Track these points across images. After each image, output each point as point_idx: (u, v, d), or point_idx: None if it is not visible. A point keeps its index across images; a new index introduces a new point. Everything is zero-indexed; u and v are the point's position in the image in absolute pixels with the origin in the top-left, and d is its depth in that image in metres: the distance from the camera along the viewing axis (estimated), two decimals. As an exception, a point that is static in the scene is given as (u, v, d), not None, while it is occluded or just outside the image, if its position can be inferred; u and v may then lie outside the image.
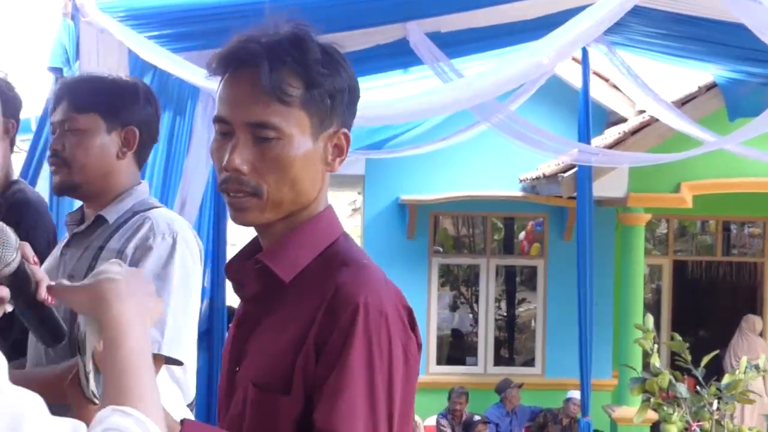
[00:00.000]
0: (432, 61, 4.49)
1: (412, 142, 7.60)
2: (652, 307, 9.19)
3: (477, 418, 7.74)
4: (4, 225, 1.12)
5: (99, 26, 3.27)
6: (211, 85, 3.89)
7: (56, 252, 2.00)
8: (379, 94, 5.20)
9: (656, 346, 3.20)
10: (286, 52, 1.24)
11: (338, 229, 1.36)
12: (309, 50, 1.26)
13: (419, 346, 1.30)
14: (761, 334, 8.66)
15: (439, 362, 9.21)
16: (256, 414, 1.27)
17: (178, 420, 1.23)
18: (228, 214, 1.38)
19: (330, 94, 1.27)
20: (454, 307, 9.81)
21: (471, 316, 9.65)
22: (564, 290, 8.06)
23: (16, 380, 0.97)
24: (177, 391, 1.91)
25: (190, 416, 1.92)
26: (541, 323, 9.13)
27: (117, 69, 3.35)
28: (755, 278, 9.66)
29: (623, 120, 8.40)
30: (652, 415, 5.66)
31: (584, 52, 5.16)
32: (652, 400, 3.28)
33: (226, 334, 2.19)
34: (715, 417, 3.14)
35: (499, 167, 8.53)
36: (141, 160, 2.02)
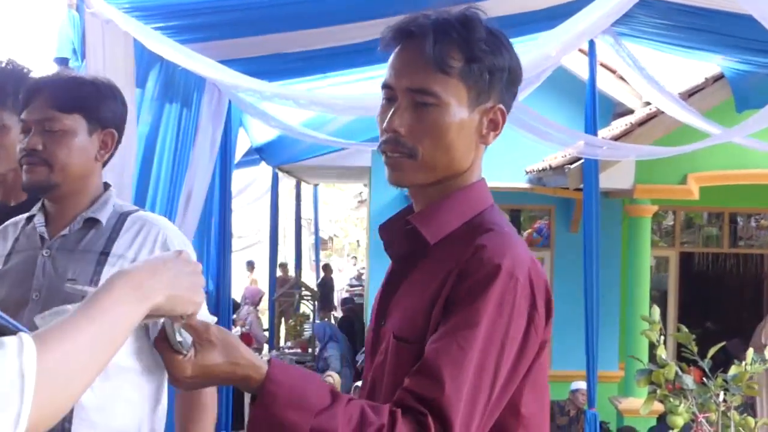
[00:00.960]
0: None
1: (418, 133, 7.57)
2: (659, 298, 9.16)
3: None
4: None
5: (104, 17, 3.25)
6: (218, 76, 3.89)
7: (20, 251, 1.92)
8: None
9: (663, 337, 3.18)
10: (453, 28, 1.33)
11: (488, 200, 1.43)
12: (474, 29, 1.34)
13: (549, 317, 1.32)
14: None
15: (445, 353, 9.20)
16: (394, 362, 1.33)
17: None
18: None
19: (489, 70, 1.35)
20: (460, 298, 9.79)
21: (477, 307, 9.64)
22: (570, 282, 8.05)
23: None
24: None
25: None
26: (547, 315, 9.11)
27: (123, 60, 3.34)
28: (762, 270, 9.65)
29: (630, 111, 8.37)
30: (659, 407, 5.63)
31: (591, 43, 5.13)
32: (658, 391, 3.26)
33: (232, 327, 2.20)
34: (722, 408, 3.13)
35: (505, 159, 8.47)
36: (107, 162, 2.00)
